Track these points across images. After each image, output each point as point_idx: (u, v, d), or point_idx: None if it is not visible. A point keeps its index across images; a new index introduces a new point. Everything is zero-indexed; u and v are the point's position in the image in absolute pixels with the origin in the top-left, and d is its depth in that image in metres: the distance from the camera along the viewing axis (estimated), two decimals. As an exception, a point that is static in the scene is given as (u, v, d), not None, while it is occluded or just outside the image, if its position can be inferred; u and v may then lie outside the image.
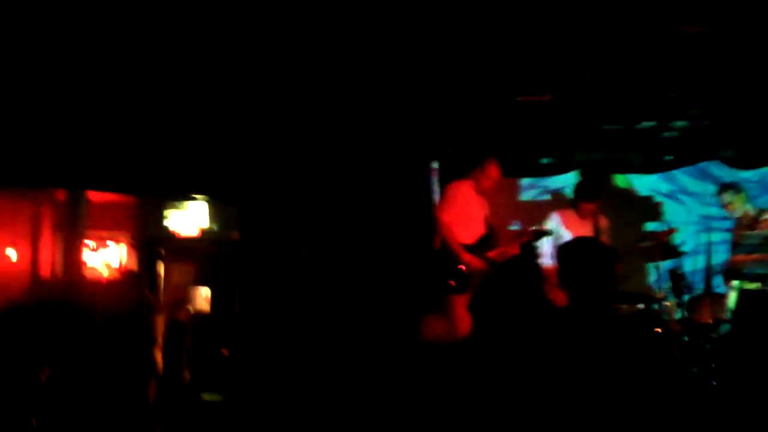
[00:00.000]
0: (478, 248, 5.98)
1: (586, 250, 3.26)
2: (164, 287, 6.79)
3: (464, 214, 6.03)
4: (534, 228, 6.18)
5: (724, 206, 6.54)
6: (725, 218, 6.81)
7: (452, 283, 5.76)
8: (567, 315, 3.23)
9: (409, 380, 4.43)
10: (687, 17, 5.50)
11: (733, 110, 7.36)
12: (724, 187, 6.67)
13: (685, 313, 5.84)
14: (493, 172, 6.13)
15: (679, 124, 7.76)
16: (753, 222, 6.22)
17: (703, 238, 7.22)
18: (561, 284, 3.26)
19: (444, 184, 6.58)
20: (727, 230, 6.64)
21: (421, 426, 3.60)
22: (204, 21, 5.43)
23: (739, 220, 6.42)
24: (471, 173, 6.19)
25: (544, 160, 8.34)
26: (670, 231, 6.43)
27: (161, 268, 6.77)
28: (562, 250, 3.30)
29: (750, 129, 7.53)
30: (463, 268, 5.84)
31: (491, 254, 5.96)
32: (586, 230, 6.06)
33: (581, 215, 6.47)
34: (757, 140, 7.64)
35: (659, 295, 6.30)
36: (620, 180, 8.21)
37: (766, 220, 6.19)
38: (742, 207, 6.42)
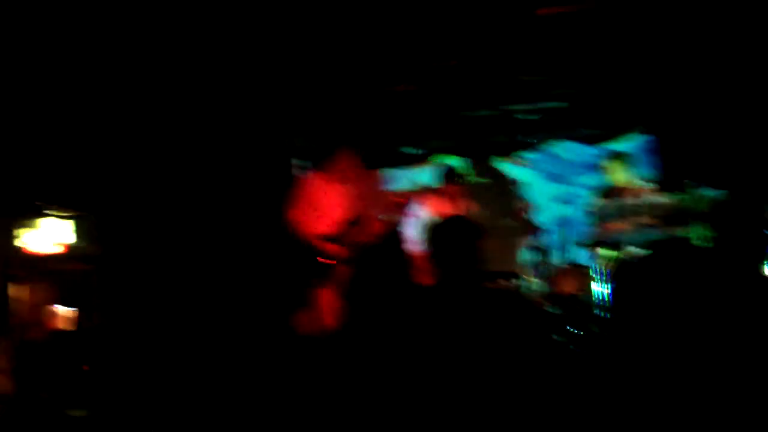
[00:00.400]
0: (338, 238, 5.97)
1: (452, 228, 3.31)
2: (17, 308, 6.37)
3: (321, 205, 6.00)
4: (398, 213, 6.23)
5: (604, 174, 6.69)
6: (589, 188, 7.10)
7: (316, 274, 5.74)
8: (436, 294, 3.26)
9: (283, 376, 4.35)
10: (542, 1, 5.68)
11: (591, 90, 7.67)
12: (609, 155, 6.79)
13: (550, 286, 6.04)
14: (349, 160, 6.12)
15: (540, 106, 8.01)
16: (621, 192, 6.47)
17: (567, 211, 7.47)
18: (430, 264, 3.29)
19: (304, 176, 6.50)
20: (592, 201, 6.85)
21: (297, 418, 3.53)
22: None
23: (609, 189, 6.63)
24: (327, 163, 6.16)
25: (411, 150, 8.43)
26: (530, 207, 6.62)
27: (13, 290, 6.37)
28: (430, 231, 3.34)
29: (606, 108, 7.86)
30: (323, 259, 5.83)
31: (353, 243, 5.98)
32: (453, 212, 6.17)
33: (447, 200, 6.60)
34: (614, 119, 7.99)
35: (525, 270, 6.51)
36: (486, 163, 8.41)
37: (631, 189, 6.45)
38: (620, 176, 6.57)
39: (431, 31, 6.10)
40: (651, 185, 6.42)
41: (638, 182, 6.49)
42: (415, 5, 5.63)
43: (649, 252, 2.26)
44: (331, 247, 5.88)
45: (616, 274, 2.28)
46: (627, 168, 6.47)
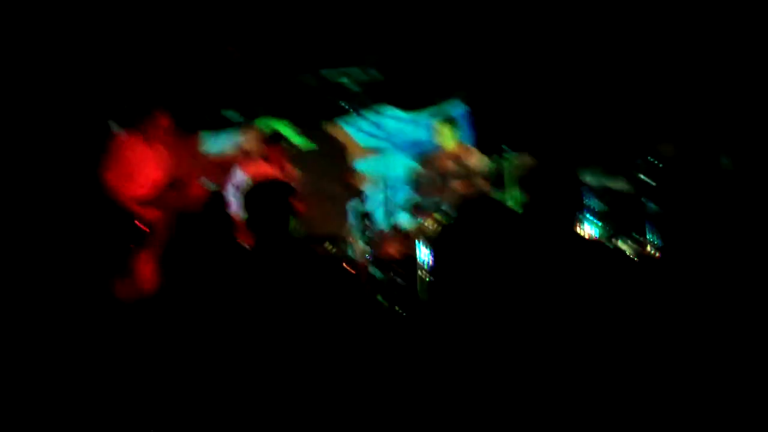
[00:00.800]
0: (156, 202, 5.80)
1: (267, 191, 3.30)
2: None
3: (135, 168, 5.83)
4: (219, 178, 6.12)
5: (432, 138, 6.82)
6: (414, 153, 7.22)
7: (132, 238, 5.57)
8: (254, 258, 3.24)
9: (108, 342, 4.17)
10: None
11: (412, 58, 7.79)
12: (438, 119, 6.91)
13: (374, 250, 6.14)
14: (162, 121, 5.95)
15: (356, 71, 8.05)
16: (445, 156, 6.63)
17: (391, 174, 7.60)
18: (247, 227, 3.28)
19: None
20: (416, 166, 6.99)
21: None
22: None
23: (434, 154, 6.80)
24: (143, 125, 5.96)
25: (233, 113, 8.26)
26: (355, 172, 6.68)
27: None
28: (246, 195, 3.32)
29: (427, 76, 8.02)
30: (140, 223, 5.67)
31: (171, 207, 5.81)
32: (276, 176, 6.13)
33: (269, 164, 6.55)
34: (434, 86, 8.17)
35: (350, 234, 6.58)
36: (310, 128, 8.36)
37: (455, 153, 6.62)
38: (448, 139, 6.68)
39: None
40: (473, 149, 6.65)
41: (464, 146, 6.71)
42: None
43: (467, 215, 2.33)
44: (148, 211, 5.69)
45: (436, 237, 2.33)
46: (454, 132, 6.67)
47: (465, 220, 2.45)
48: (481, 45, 7.34)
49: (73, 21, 5.90)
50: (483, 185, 5.98)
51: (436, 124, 6.75)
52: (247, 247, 3.35)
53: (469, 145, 6.85)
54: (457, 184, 6.08)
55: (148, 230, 5.66)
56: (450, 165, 6.34)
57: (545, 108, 7.37)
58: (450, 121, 6.78)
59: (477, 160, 6.34)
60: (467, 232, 2.39)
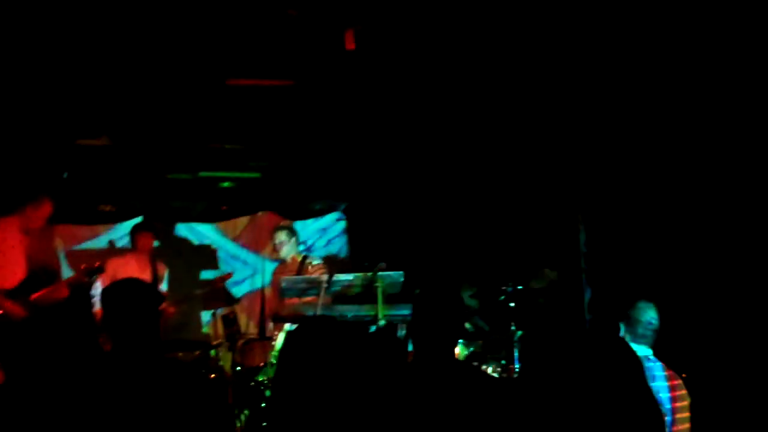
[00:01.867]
0: (19, 292, 5.55)
1: (128, 291, 3.16)
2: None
3: (4, 255, 5.58)
4: (84, 266, 5.87)
5: (275, 246, 6.82)
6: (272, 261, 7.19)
7: None
8: (108, 361, 3.07)
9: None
10: (236, 71, 5.76)
11: (290, 163, 7.85)
12: (281, 227, 6.94)
13: (238, 357, 5.99)
14: (45, 209, 5.76)
15: (237, 175, 8.04)
16: (300, 267, 6.63)
17: (257, 282, 7.52)
18: (105, 328, 3.12)
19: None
20: (275, 274, 6.95)
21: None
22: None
23: (285, 263, 6.78)
24: (18, 210, 5.74)
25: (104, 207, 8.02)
26: (226, 276, 6.59)
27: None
28: (106, 292, 3.16)
29: (301, 182, 8.10)
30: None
31: (34, 297, 5.54)
32: (144, 277, 5.96)
33: (139, 259, 6.41)
34: (307, 193, 8.24)
35: (215, 341, 6.41)
36: (181, 229, 8.21)
37: (312, 265, 6.66)
38: (291, 250, 6.77)
39: (128, 88, 5.95)
40: (319, 262, 6.72)
41: (315, 258, 6.79)
42: (113, 61, 5.46)
43: (321, 328, 2.32)
44: (7, 303, 5.40)
45: (285, 350, 2.32)
46: (296, 243, 6.72)
47: (316, 333, 2.46)
48: (362, 154, 7.50)
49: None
50: (341, 299, 5.98)
51: (278, 233, 6.78)
52: (105, 349, 3.19)
53: (310, 257, 6.92)
54: (316, 296, 6.04)
55: (5, 321, 5.35)
56: (309, 276, 6.34)
57: (427, 223, 7.56)
58: (290, 231, 6.85)
59: (321, 272, 6.31)
60: (319, 346, 2.39)
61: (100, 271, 5.84)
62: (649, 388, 1.94)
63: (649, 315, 3.74)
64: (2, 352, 5.26)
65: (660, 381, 3.63)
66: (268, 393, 5.63)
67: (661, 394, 3.58)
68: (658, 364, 3.72)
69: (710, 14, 4.59)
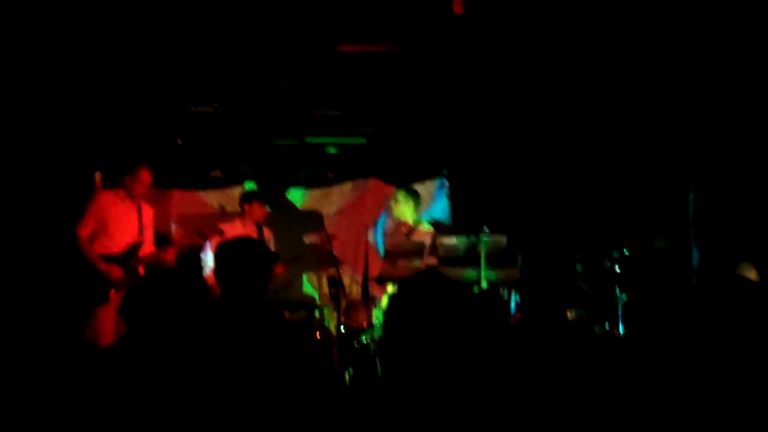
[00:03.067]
0: (124, 256, 5.91)
1: (242, 248, 3.27)
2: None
3: (108, 223, 5.91)
4: (197, 231, 6.16)
5: (391, 206, 6.81)
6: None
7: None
8: (219, 313, 3.18)
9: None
10: (346, 37, 5.83)
11: (391, 130, 7.92)
12: (403, 188, 6.84)
13: (343, 318, 6.13)
14: (144, 177, 6.02)
15: (343, 140, 8.17)
16: (409, 231, 6.66)
17: (371, 242, 7.64)
18: (217, 282, 3.22)
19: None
20: (386, 234, 7.02)
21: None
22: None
23: (398, 226, 6.83)
24: (120, 180, 6.06)
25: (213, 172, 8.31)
26: (330, 239, 6.71)
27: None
28: (220, 249, 3.28)
29: (404, 148, 8.15)
30: (113, 277, 5.80)
31: (139, 259, 5.94)
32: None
33: (246, 224, 6.61)
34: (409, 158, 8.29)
35: (320, 301, 6.58)
36: (287, 193, 8.42)
37: (419, 230, 6.68)
38: (407, 213, 6.70)
39: (238, 56, 6.11)
40: (431, 227, 6.73)
41: (424, 223, 6.80)
42: (224, 30, 5.61)
43: (425, 290, 2.36)
44: (108, 267, 5.81)
45: (390, 310, 2.35)
46: (415, 207, 6.73)
47: (405, 294, 2.48)
48: (465, 119, 7.48)
49: (53, 69, 5.96)
50: (448, 262, 5.98)
51: (398, 195, 6.77)
52: (219, 308, 3.30)
53: (435, 221, 6.93)
54: (422, 259, 6.08)
55: (107, 284, 5.73)
56: (416, 239, 6.36)
57: (532, 189, 7.49)
58: (412, 194, 6.79)
59: (443, 237, 6.30)
60: (422, 307, 2.42)
61: (217, 233, 6.12)
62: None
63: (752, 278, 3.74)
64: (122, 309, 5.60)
65: None
66: (372, 353, 5.76)
67: None
68: None
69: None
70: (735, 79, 5.66)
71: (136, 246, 5.99)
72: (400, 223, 6.69)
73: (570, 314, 5.22)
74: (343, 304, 6.21)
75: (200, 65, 6.36)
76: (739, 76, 5.62)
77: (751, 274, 3.79)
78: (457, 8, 4.91)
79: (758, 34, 5.22)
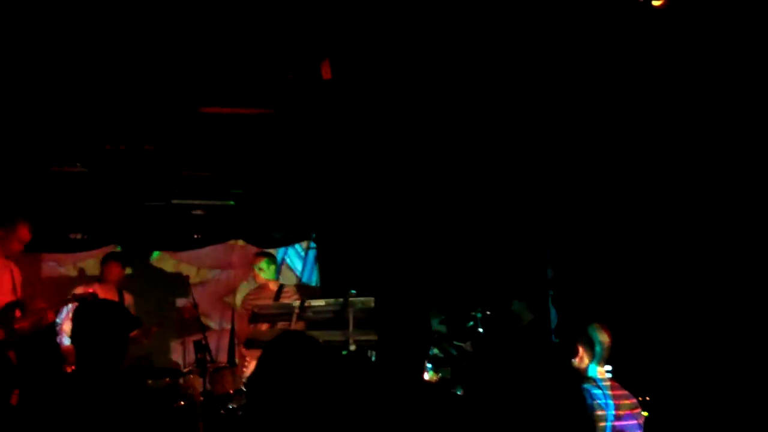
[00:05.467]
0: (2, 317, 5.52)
1: (100, 311, 3.16)
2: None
3: None
4: (73, 294, 5.89)
5: (255, 272, 6.86)
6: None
7: None
8: (75, 380, 3.06)
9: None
10: (210, 99, 5.81)
11: (262, 192, 7.88)
12: (263, 253, 7.02)
13: (208, 385, 5.99)
14: (23, 233, 5.70)
15: (208, 203, 8.05)
16: (277, 294, 6.67)
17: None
18: (74, 344, 3.11)
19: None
20: (248, 300, 6.94)
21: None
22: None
23: (261, 289, 6.80)
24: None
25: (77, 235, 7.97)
26: (196, 303, 6.59)
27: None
28: (78, 311, 3.15)
29: (271, 210, 8.13)
30: None
31: (18, 324, 5.55)
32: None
33: (105, 288, 6.41)
34: (277, 221, 8.28)
35: (185, 368, 6.39)
36: (152, 256, 8.20)
37: (285, 292, 6.70)
38: (269, 276, 6.81)
39: (99, 116, 5.99)
40: (292, 288, 6.77)
41: (285, 284, 6.84)
42: (84, 88, 5.50)
43: (296, 344, 2.36)
44: None
45: (254, 375, 2.37)
46: (276, 270, 6.78)
47: (270, 358, 2.49)
48: (334, 182, 7.56)
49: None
50: (312, 325, 5.99)
51: (261, 264, 6.81)
52: (73, 374, 3.17)
53: (283, 283, 6.97)
54: (285, 322, 6.06)
55: None
56: (282, 302, 6.38)
57: (397, 252, 7.61)
58: (271, 257, 6.91)
59: (292, 299, 6.33)
60: (289, 371, 2.42)
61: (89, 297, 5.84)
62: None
63: (602, 337, 4.06)
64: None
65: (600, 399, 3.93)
66: (238, 419, 5.63)
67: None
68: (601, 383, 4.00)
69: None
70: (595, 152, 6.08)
71: (11, 306, 5.58)
72: (265, 286, 6.72)
73: (434, 376, 5.33)
74: (210, 369, 6.08)
75: (63, 125, 6.18)
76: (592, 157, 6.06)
77: (603, 336, 4.06)
78: (326, 73, 5.01)
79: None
